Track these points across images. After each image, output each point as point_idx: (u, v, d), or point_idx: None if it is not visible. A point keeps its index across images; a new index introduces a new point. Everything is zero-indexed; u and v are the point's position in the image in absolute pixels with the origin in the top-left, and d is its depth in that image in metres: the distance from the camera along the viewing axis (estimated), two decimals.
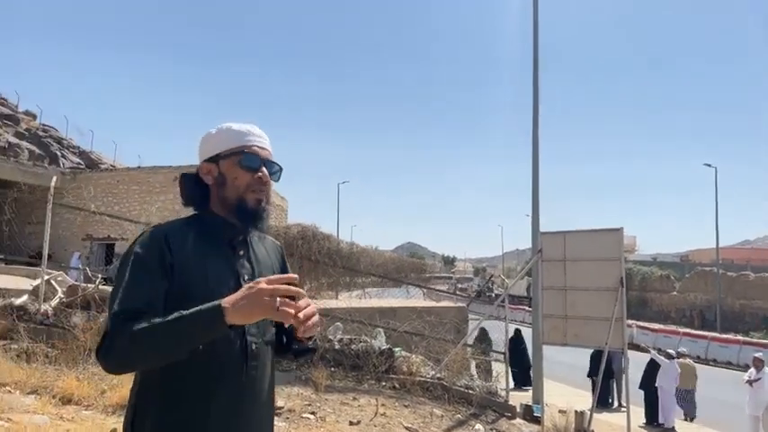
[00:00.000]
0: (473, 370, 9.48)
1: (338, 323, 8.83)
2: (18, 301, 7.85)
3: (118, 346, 1.33)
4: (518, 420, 8.42)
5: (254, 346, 1.51)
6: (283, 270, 1.74)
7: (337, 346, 8.39)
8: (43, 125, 38.64)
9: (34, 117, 38.97)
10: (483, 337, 13.18)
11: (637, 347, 19.95)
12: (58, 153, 35.66)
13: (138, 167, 22.19)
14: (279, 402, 6.64)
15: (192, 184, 1.60)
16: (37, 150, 33.41)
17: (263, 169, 1.57)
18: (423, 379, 8.28)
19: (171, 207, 19.38)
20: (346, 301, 10.47)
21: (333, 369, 8.08)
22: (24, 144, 33.15)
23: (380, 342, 8.72)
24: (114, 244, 21.15)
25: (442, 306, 12.13)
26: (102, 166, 28.57)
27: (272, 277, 1.35)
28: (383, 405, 7.19)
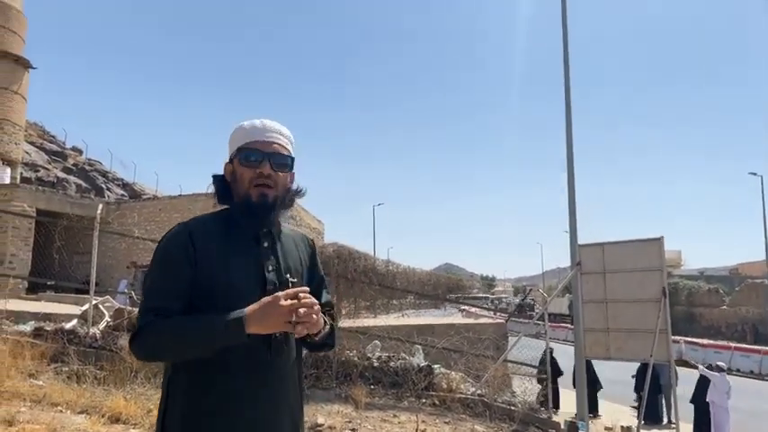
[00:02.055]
0: (515, 387, 9.34)
1: (376, 341, 8.86)
2: (68, 326, 8.14)
3: (149, 342, 1.48)
4: None
5: (277, 335, 1.56)
6: (312, 262, 1.80)
7: (376, 364, 8.40)
8: (89, 160, 40.21)
9: (80, 152, 40.60)
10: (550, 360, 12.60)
11: (686, 364, 19.29)
12: (104, 186, 36.99)
13: (179, 195, 22.80)
14: (319, 420, 6.68)
15: (219, 184, 1.69)
16: (84, 184, 34.75)
17: (265, 165, 1.62)
18: (463, 395, 8.21)
19: None
20: (384, 319, 10.50)
21: (372, 386, 8.08)
22: (72, 178, 34.52)
23: (419, 359, 8.70)
24: None
25: (480, 323, 12.01)
26: (145, 197, 29.44)
27: (288, 291, 1.44)
28: (423, 422, 7.15)
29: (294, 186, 1.73)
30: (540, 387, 11.01)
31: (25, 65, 25.19)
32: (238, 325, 1.40)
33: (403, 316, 18.80)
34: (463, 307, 24.84)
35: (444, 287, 33.41)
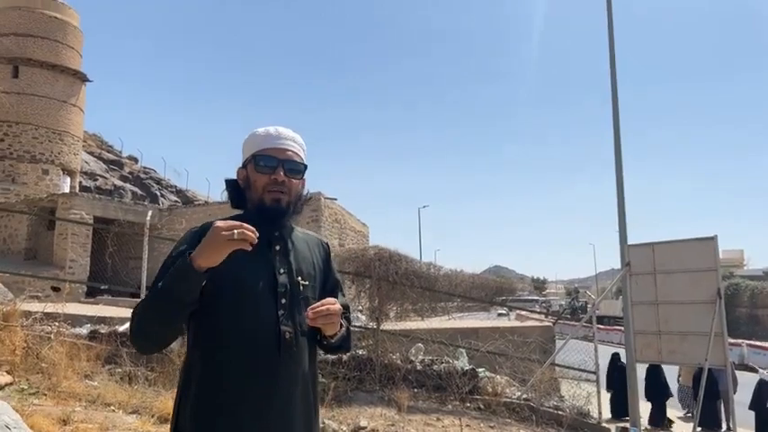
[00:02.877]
0: (563, 391, 9.11)
1: (419, 344, 8.81)
2: (121, 329, 8.43)
3: (132, 324, 1.54)
4: None
5: (287, 335, 1.58)
6: (326, 264, 1.81)
7: (419, 367, 8.36)
8: (144, 168, 41.73)
9: (136, 161, 42.18)
10: (615, 365, 12.05)
11: (749, 368, 18.40)
12: (158, 193, 38.31)
13: (227, 201, 23.37)
14: (362, 422, 6.70)
15: (233, 189, 1.73)
16: (139, 191, 36.08)
17: (279, 171, 1.65)
18: (509, 400, 8.07)
19: None
20: (428, 322, 10.44)
21: (416, 390, 8.04)
22: (128, 186, 35.88)
23: (463, 363, 8.61)
24: None
25: (526, 326, 11.78)
26: (196, 203, 30.29)
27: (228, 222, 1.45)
28: (467, 426, 7.06)
29: (304, 192, 1.76)
30: (610, 394, 10.48)
31: (82, 78, 26.34)
32: (185, 262, 1.42)
33: (449, 319, 18.67)
34: (519, 311, 24.43)
35: (492, 290, 33.03)
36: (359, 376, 8.00)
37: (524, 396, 8.26)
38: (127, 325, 8.82)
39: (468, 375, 8.24)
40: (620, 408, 11.71)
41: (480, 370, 8.48)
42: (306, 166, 1.73)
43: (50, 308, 8.15)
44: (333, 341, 1.66)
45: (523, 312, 22.96)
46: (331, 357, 8.17)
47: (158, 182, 40.61)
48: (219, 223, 1.42)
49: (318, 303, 1.55)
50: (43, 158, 24.42)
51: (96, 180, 33.16)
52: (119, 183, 35.47)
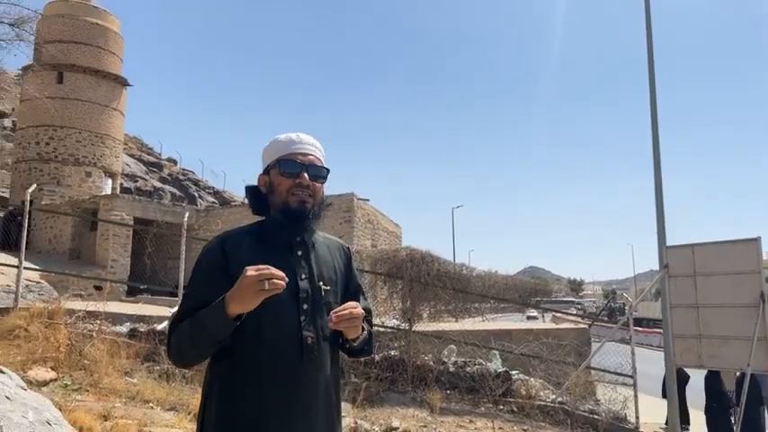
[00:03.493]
0: (599, 395, 8.95)
1: (452, 345, 8.77)
2: (159, 327, 8.64)
3: (171, 345, 1.58)
4: None
5: (309, 341, 1.60)
6: (348, 269, 1.83)
7: (452, 369, 8.33)
8: (183, 170, 42.62)
9: (175, 163, 43.12)
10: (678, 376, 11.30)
11: None
12: (196, 194, 39.08)
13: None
14: (394, 423, 6.71)
15: (253, 195, 1.76)
16: (178, 192, 36.88)
17: (304, 174, 1.67)
18: (543, 403, 7.98)
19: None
20: (461, 323, 10.39)
21: (448, 391, 8.02)
22: (167, 188, 36.71)
23: (496, 365, 8.54)
24: None
25: (560, 328, 11.61)
26: (233, 204, 30.79)
27: (259, 267, 1.43)
28: (500, 429, 7.01)
29: (324, 199, 1.78)
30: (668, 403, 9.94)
31: (123, 83, 27.03)
32: (219, 307, 1.45)
33: (483, 320, 18.52)
34: (555, 314, 24.05)
35: (527, 291, 32.62)
36: (391, 377, 8.02)
37: (559, 399, 8.15)
38: (165, 324, 9.03)
39: (502, 378, 8.17)
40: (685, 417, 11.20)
41: (514, 372, 8.40)
42: (328, 171, 1.76)
43: (92, 306, 8.40)
44: (355, 344, 1.68)
45: (559, 314, 22.63)
46: (363, 358, 8.22)
47: (196, 183, 41.44)
48: (251, 272, 1.41)
49: (341, 307, 1.57)
50: (86, 161, 25.16)
51: (137, 182, 34.03)
52: (158, 184, 36.31)
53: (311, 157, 1.72)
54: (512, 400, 7.97)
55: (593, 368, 9.07)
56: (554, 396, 8.22)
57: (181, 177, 40.57)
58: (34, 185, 11.83)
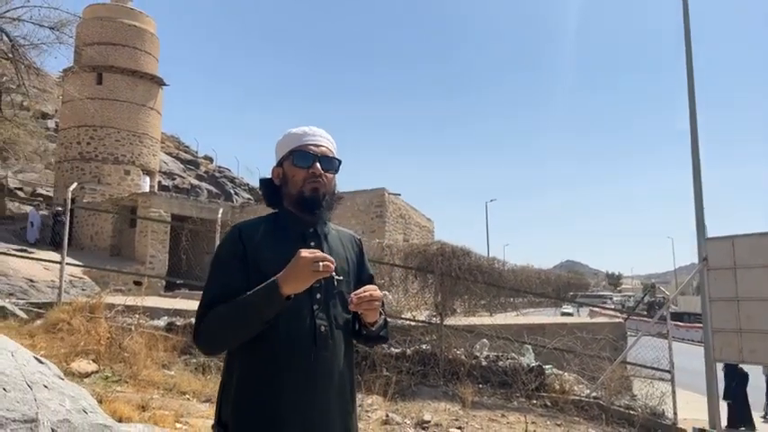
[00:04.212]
0: (636, 390, 8.78)
1: (484, 340, 8.73)
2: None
3: (203, 331, 1.59)
4: None
5: (322, 328, 1.63)
6: (360, 261, 1.86)
7: (484, 363, 8.29)
8: (219, 167, 43.33)
9: (211, 160, 43.84)
10: (733, 375, 10.82)
11: None
12: (232, 191, 39.71)
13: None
14: (425, 416, 6.72)
15: (267, 188, 1.80)
16: (214, 190, 37.53)
17: (316, 164, 1.71)
18: (577, 397, 7.88)
19: None
20: (492, 317, 10.32)
21: (480, 386, 7.98)
22: (204, 185, 37.40)
23: (529, 359, 8.47)
24: None
25: (595, 322, 11.42)
26: None
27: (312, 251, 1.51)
28: (533, 423, 6.95)
29: (336, 191, 1.81)
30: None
31: (159, 83, 27.61)
32: (273, 287, 1.49)
33: (517, 315, 18.33)
34: (592, 308, 23.61)
35: (563, 286, 32.14)
36: (423, 371, 8.02)
37: (594, 394, 8.03)
38: None
39: (535, 372, 8.10)
40: (737, 417, 10.86)
41: (547, 367, 8.32)
42: (340, 162, 1.79)
43: (130, 301, 8.63)
44: (373, 329, 1.70)
45: (597, 309, 22.24)
46: (395, 351, 8.24)
47: (232, 180, 42.07)
48: (305, 254, 1.47)
49: (361, 289, 1.60)
50: (125, 160, 25.82)
51: (174, 179, 34.74)
52: (195, 182, 37.01)
53: (323, 148, 1.76)
54: (545, 394, 7.90)
55: (629, 363, 8.90)
56: (588, 391, 8.10)
57: (217, 175, 41.24)
58: (75, 184, 12.21)
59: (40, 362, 2.53)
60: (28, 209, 24.53)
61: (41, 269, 14.15)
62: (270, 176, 1.81)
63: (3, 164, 26.28)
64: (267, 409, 1.57)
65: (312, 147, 1.74)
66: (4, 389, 1.97)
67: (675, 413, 7.95)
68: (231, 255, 1.66)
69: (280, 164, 1.78)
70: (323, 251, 1.71)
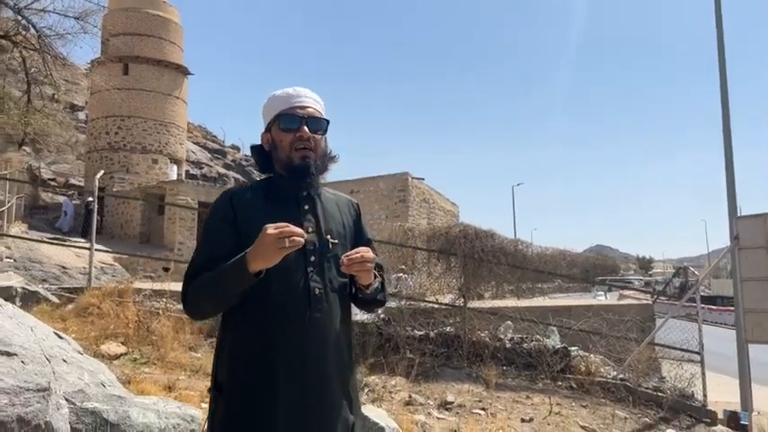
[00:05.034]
0: (664, 372, 8.63)
1: (508, 322, 8.67)
2: None
3: (188, 299, 1.60)
4: (720, 428, 7.49)
5: (317, 291, 1.61)
6: (357, 225, 1.83)
7: (508, 345, 8.24)
8: (245, 156, 43.71)
9: (238, 149, 44.27)
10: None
11: None
12: (258, 179, 40.07)
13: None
14: (449, 397, 6.72)
15: (258, 154, 1.78)
16: (241, 178, 37.91)
17: (304, 128, 1.68)
18: (603, 379, 7.78)
19: None
20: (520, 300, 10.24)
21: (504, 368, 7.94)
22: (231, 174, 37.83)
23: (554, 341, 8.38)
24: None
25: (622, 304, 11.26)
26: None
27: (278, 224, 1.45)
28: (558, 404, 6.90)
29: (328, 151, 1.77)
30: None
31: (184, 72, 27.90)
32: (243, 263, 1.46)
33: (545, 299, 18.16)
34: (622, 292, 23.21)
35: (591, 269, 31.70)
36: (446, 353, 8.01)
37: (621, 376, 7.93)
38: None
39: (560, 354, 8.02)
40: None
41: (573, 349, 8.22)
42: (328, 122, 1.76)
43: (157, 286, 8.79)
44: (368, 292, 1.68)
45: (627, 292, 21.93)
46: (418, 333, 8.24)
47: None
48: (271, 230, 1.43)
49: (352, 251, 1.58)
50: (152, 149, 26.22)
51: (202, 168, 35.19)
52: (222, 171, 37.44)
53: (310, 109, 1.72)
54: (570, 376, 7.82)
55: (657, 344, 8.75)
56: (615, 372, 8.00)
57: (244, 163, 41.62)
58: (101, 172, 12.45)
59: (60, 337, 2.59)
60: (61, 199, 25.16)
61: (73, 256, 14.51)
62: (260, 143, 1.79)
63: (36, 155, 26.93)
64: (261, 371, 1.56)
65: (298, 109, 1.70)
66: (23, 362, 2.02)
67: (705, 395, 7.79)
68: (221, 219, 1.65)
69: (268, 129, 1.76)
70: (317, 214, 1.71)
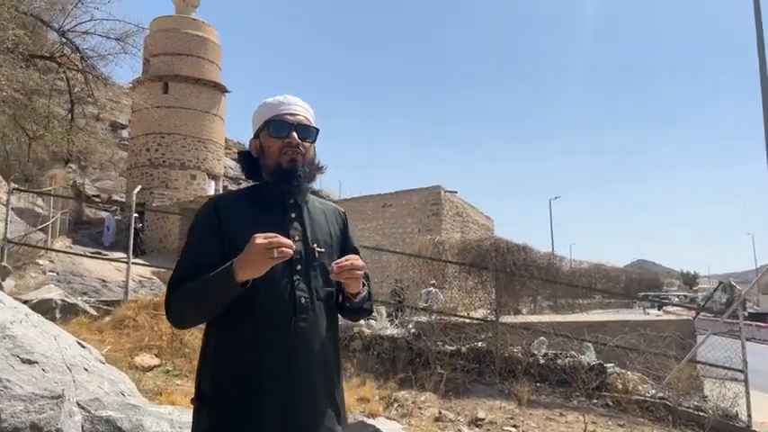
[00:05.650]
0: (706, 390, 8.30)
1: (542, 337, 8.49)
2: None
3: (171, 308, 1.58)
4: None
5: (302, 300, 1.59)
6: (344, 233, 1.82)
7: (542, 361, 8.07)
8: None
9: None
10: None
11: None
12: None
13: (353, 198, 24.37)
14: (480, 414, 6.60)
15: (245, 161, 1.77)
16: None
17: (293, 134, 1.67)
18: (641, 398, 7.54)
19: (381, 231, 21.07)
20: (551, 316, 10.02)
21: (538, 384, 7.78)
22: None
23: (590, 357, 8.17)
24: None
25: (661, 319, 10.87)
26: (329, 200, 31.69)
27: (267, 234, 1.43)
28: (593, 423, 6.70)
29: (317, 161, 1.76)
30: None
31: (222, 90, 28.55)
32: (228, 273, 1.44)
33: (586, 315, 17.71)
34: (665, 308, 22.47)
35: (634, 285, 30.88)
36: (478, 369, 7.89)
37: (660, 394, 7.66)
38: None
39: (596, 371, 7.81)
40: None
41: (609, 365, 8.00)
42: (318, 130, 1.75)
43: None
44: (356, 301, 1.66)
45: (671, 309, 21.24)
46: (449, 348, 8.14)
47: None
48: (259, 240, 1.41)
49: (342, 258, 1.57)
50: (191, 165, 26.84)
51: (240, 184, 35.75)
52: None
53: (300, 117, 1.72)
54: (607, 394, 7.60)
55: (699, 362, 8.43)
56: (654, 391, 7.73)
57: None
58: (139, 187, 12.77)
59: (82, 346, 2.64)
60: (104, 214, 25.91)
61: (113, 270, 14.89)
62: (248, 150, 1.78)
63: (81, 172, 27.86)
64: (246, 381, 1.53)
65: (288, 116, 1.70)
66: (43, 369, 2.07)
67: (749, 415, 7.46)
68: (205, 227, 1.63)
69: (256, 135, 1.75)
70: (303, 222, 1.70)
